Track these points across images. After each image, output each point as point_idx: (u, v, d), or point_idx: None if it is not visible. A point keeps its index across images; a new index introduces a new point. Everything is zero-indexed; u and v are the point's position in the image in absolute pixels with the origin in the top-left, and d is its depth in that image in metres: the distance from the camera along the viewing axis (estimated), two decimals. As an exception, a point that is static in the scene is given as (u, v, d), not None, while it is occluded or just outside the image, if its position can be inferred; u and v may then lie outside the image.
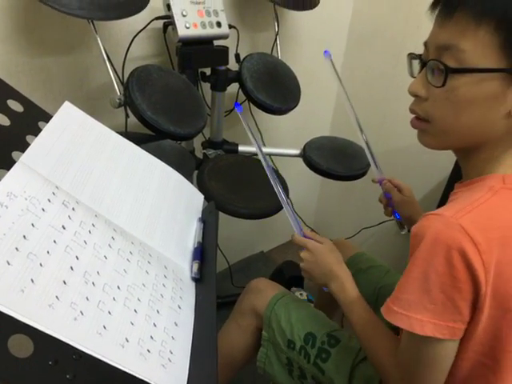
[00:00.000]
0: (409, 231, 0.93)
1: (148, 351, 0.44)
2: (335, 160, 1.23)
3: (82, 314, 0.41)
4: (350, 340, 0.82)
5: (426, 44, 0.59)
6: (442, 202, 1.38)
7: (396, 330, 0.66)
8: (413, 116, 0.62)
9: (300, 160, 1.27)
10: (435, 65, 0.55)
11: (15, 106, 0.55)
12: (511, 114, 0.53)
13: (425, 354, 0.57)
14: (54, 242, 0.43)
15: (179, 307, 0.52)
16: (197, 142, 1.23)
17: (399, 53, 1.43)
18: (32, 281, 0.39)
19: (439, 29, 0.55)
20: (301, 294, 1.54)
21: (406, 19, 1.38)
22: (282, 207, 1.01)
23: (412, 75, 0.63)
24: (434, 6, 0.56)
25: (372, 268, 1.03)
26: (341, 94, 0.94)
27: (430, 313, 0.54)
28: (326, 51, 0.99)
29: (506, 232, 0.52)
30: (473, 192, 0.57)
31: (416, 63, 0.61)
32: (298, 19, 1.42)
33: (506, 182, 0.56)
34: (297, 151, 1.28)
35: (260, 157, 0.84)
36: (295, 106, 1.24)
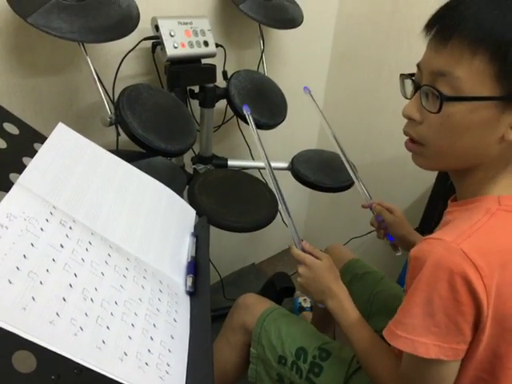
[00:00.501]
0: (406, 250, 0.94)
1: (146, 364, 0.45)
2: (323, 172, 1.26)
3: (82, 329, 0.42)
4: (340, 351, 0.82)
5: (419, 66, 0.59)
6: (427, 212, 1.41)
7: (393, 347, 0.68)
8: (407, 138, 0.62)
9: (288, 173, 1.30)
10: (429, 90, 0.55)
11: (11, 128, 0.57)
12: (504, 139, 0.54)
13: (428, 375, 0.58)
14: (53, 260, 0.45)
15: (175, 320, 0.53)
16: (187, 157, 1.25)
17: (381, 68, 1.47)
18: (33, 298, 0.40)
19: (434, 54, 0.55)
20: (304, 300, 1.55)
21: (387, 35, 1.43)
22: (273, 219, 1.04)
23: (405, 96, 0.63)
24: (428, 29, 0.56)
25: (367, 274, 1.04)
26: (324, 126, 0.98)
27: (434, 336, 0.55)
28: (305, 87, 1.03)
29: (504, 255, 0.54)
30: (470, 214, 0.58)
31: (408, 83, 0.61)
32: (282, 37, 1.46)
33: (502, 204, 0.57)
34: (285, 164, 1.31)
35: (267, 170, 0.87)
36: (282, 121, 1.27)
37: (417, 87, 0.59)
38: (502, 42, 0.49)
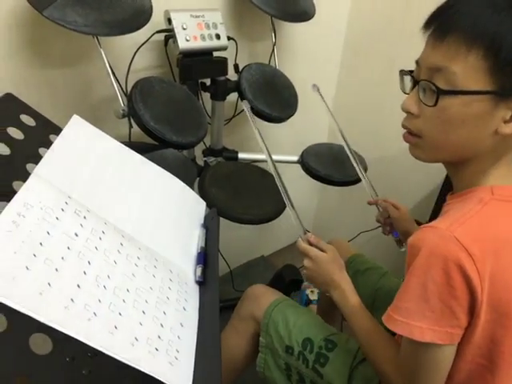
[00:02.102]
0: None
1: (156, 350, 0.47)
2: (332, 166, 1.27)
3: (95, 314, 0.44)
4: (347, 342, 0.84)
5: (417, 62, 0.61)
6: (436, 207, 1.41)
7: (393, 333, 0.68)
8: (405, 131, 0.65)
9: (298, 166, 1.30)
10: (427, 85, 0.58)
11: (28, 120, 0.59)
12: (497, 132, 0.56)
13: (424, 359, 0.60)
14: (68, 248, 0.47)
15: (184, 309, 0.55)
16: (198, 149, 1.26)
17: (394, 62, 1.46)
18: (49, 284, 0.42)
19: (431, 50, 0.58)
20: (312, 292, 1.56)
21: (400, 29, 1.42)
22: (281, 212, 1.05)
23: (404, 91, 0.65)
24: (427, 26, 0.59)
25: (370, 270, 1.05)
26: (333, 125, 0.99)
27: (429, 320, 0.56)
28: (313, 85, 1.04)
29: (497, 243, 0.56)
30: (464, 204, 0.60)
31: (408, 79, 0.64)
32: (294, 30, 1.45)
33: (495, 193, 0.59)
34: (295, 158, 1.32)
35: (270, 165, 0.87)
36: (293, 114, 1.27)
37: (415, 82, 0.61)
38: (495, 39, 0.52)
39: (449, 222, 0.56)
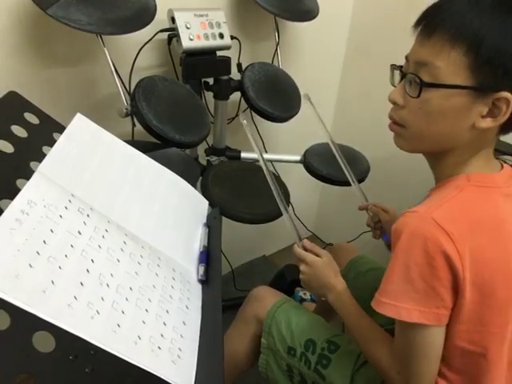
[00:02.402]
0: None
1: (159, 348, 0.47)
2: (335, 166, 1.26)
3: (98, 313, 0.44)
4: (349, 344, 0.84)
5: (407, 57, 0.65)
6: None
7: (392, 333, 0.69)
8: (391, 121, 0.69)
9: (300, 166, 1.30)
10: (412, 78, 0.62)
11: (31, 118, 0.59)
12: (474, 127, 0.60)
13: (414, 341, 0.62)
14: (71, 246, 0.47)
15: (187, 307, 0.55)
16: (200, 149, 1.26)
17: (397, 60, 1.46)
18: (52, 282, 0.42)
19: (419, 46, 0.62)
20: (304, 294, 1.57)
21: (403, 28, 1.42)
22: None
23: (393, 84, 0.70)
24: (416, 24, 0.63)
25: (372, 271, 1.05)
26: (324, 135, 1.01)
27: (415, 301, 0.59)
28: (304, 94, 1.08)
29: (473, 223, 0.59)
30: (442, 191, 0.64)
31: (397, 74, 0.68)
32: (297, 29, 1.45)
33: (471, 180, 0.63)
34: (297, 157, 1.32)
35: (265, 173, 0.89)
36: (296, 114, 1.27)
37: (403, 75, 0.65)
38: (476, 38, 0.56)
39: (427, 205, 0.61)
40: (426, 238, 0.57)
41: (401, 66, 0.67)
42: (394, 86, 0.68)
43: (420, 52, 0.61)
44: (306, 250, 0.84)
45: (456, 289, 0.58)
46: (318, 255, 0.82)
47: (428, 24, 0.61)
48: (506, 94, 0.56)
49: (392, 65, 0.70)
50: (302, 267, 0.82)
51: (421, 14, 0.63)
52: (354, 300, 0.78)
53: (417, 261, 0.58)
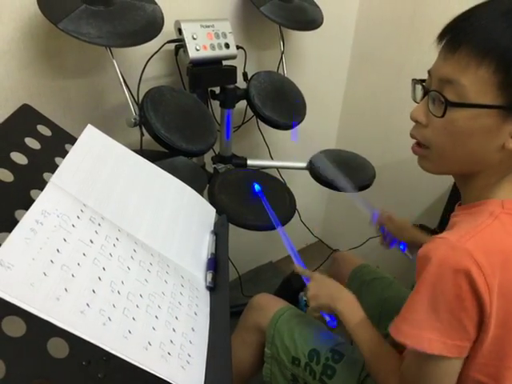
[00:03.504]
0: None
1: (168, 354, 0.48)
2: (341, 172, 1.27)
3: (110, 319, 0.45)
4: (353, 353, 0.83)
5: (429, 72, 0.61)
6: (445, 213, 1.41)
7: (398, 348, 0.69)
8: (414, 142, 0.65)
9: (306, 172, 1.31)
10: (436, 96, 0.58)
11: (44, 130, 0.61)
12: (504, 147, 0.56)
13: (431, 371, 0.59)
14: (84, 254, 0.48)
15: (195, 314, 0.56)
16: (207, 156, 1.28)
17: (402, 68, 1.47)
18: (66, 290, 0.43)
19: (443, 61, 0.58)
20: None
21: (408, 35, 1.43)
22: (290, 218, 1.06)
23: (415, 100, 0.65)
24: (440, 38, 0.59)
25: (376, 280, 1.05)
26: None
27: (438, 332, 0.56)
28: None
29: (506, 255, 0.56)
30: (475, 217, 0.60)
31: (419, 88, 0.64)
32: (302, 38, 1.47)
33: (505, 207, 0.59)
34: (303, 164, 1.33)
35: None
36: (301, 121, 1.28)
37: (426, 92, 0.61)
38: (507, 54, 0.52)
39: (460, 233, 0.57)
40: (456, 268, 0.54)
41: (423, 80, 0.63)
42: (416, 102, 0.64)
43: (444, 68, 0.57)
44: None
45: (481, 322, 0.56)
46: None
47: (453, 38, 0.56)
48: None
49: (413, 79, 0.65)
50: (309, 284, 0.83)
51: (445, 26, 0.58)
52: (363, 312, 0.77)
53: (445, 291, 0.55)
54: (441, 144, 0.60)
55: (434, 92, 0.58)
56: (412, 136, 0.64)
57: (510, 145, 0.56)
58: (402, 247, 0.98)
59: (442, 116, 0.57)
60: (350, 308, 0.77)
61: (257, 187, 1.02)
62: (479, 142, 0.57)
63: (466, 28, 0.55)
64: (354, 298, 0.78)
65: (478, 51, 0.53)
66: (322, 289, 0.81)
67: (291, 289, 1.60)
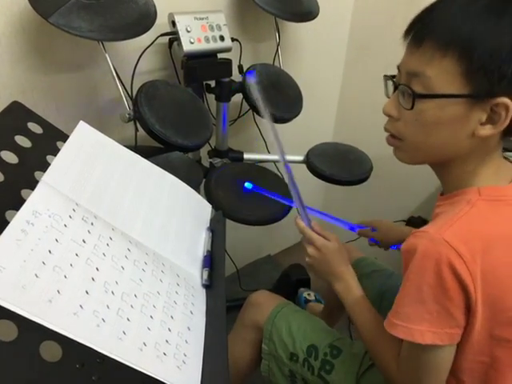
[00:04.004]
0: None
1: (164, 354, 0.47)
2: (338, 166, 1.27)
3: (104, 320, 0.44)
4: (352, 347, 0.83)
5: (398, 68, 0.63)
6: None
7: None
8: (388, 134, 0.67)
9: (303, 166, 1.31)
10: (405, 89, 0.60)
11: (35, 128, 0.60)
12: (474, 135, 0.58)
13: (426, 360, 0.61)
14: (76, 255, 0.47)
15: (191, 313, 0.56)
16: (203, 151, 1.27)
17: (398, 59, 1.46)
18: (58, 292, 0.43)
19: (410, 56, 0.60)
20: (308, 295, 1.57)
21: (404, 26, 1.42)
22: (287, 212, 1.05)
23: (387, 95, 0.67)
24: (406, 34, 0.61)
25: (375, 272, 1.05)
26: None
27: (428, 322, 0.58)
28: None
29: (485, 241, 0.57)
30: (453, 207, 0.62)
31: (390, 84, 0.65)
32: (298, 30, 1.45)
33: (482, 194, 0.60)
34: (300, 158, 1.32)
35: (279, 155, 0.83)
36: (298, 114, 1.27)
37: (395, 87, 0.63)
38: (468, 43, 0.54)
39: (438, 225, 0.59)
40: (438, 259, 0.56)
41: (393, 76, 0.65)
42: (389, 98, 0.66)
43: (410, 62, 0.59)
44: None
45: (468, 308, 0.58)
46: (326, 239, 0.81)
47: (417, 32, 0.58)
48: (503, 99, 0.54)
49: (385, 75, 0.67)
50: (310, 250, 0.81)
51: (410, 22, 0.61)
52: (362, 291, 0.77)
53: (429, 282, 0.57)
54: (413, 135, 0.62)
55: (402, 86, 0.60)
56: (386, 130, 0.67)
57: (480, 132, 0.57)
58: (395, 247, 0.99)
59: (411, 108, 0.59)
60: (349, 289, 0.78)
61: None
62: (449, 130, 0.59)
63: (429, 22, 0.57)
64: (353, 278, 0.79)
65: (441, 43, 0.55)
66: (321, 264, 0.80)
67: (290, 282, 1.61)
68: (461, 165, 0.63)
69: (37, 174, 0.53)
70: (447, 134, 0.60)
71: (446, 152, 0.62)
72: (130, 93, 1.02)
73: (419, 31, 0.58)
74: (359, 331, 0.75)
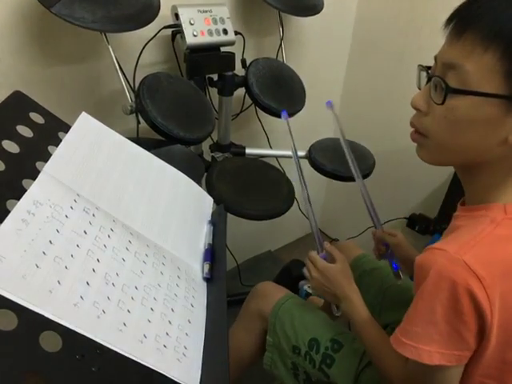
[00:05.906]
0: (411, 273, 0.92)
1: (164, 346, 0.47)
2: (340, 161, 1.26)
3: (104, 312, 0.44)
4: (353, 343, 0.83)
5: (435, 58, 0.58)
6: (445, 202, 1.40)
7: None
8: (413, 129, 0.62)
9: (306, 161, 1.30)
10: (438, 82, 0.55)
11: (37, 118, 0.59)
12: (507, 142, 0.53)
13: (432, 379, 0.59)
14: (77, 246, 0.47)
15: (192, 306, 0.55)
16: (205, 145, 1.26)
17: (402, 54, 1.45)
18: (59, 282, 0.43)
19: (448, 46, 0.55)
20: (309, 287, 1.57)
21: (408, 21, 1.41)
22: (289, 207, 1.05)
23: (419, 87, 0.63)
24: (448, 22, 0.56)
25: (376, 270, 1.04)
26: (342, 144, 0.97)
27: (437, 343, 0.56)
28: (328, 102, 1.01)
29: (507, 265, 0.54)
30: (475, 223, 0.58)
31: (424, 75, 0.61)
32: (302, 24, 1.44)
33: (508, 212, 0.56)
34: (302, 153, 1.31)
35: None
36: (300, 109, 1.27)
37: (429, 78, 0.58)
38: None
39: (458, 244, 0.55)
40: (455, 281, 0.52)
41: (428, 67, 0.60)
42: (420, 89, 0.61)
43: (448, 53, 0.54)
44: (323, 250, 0.83)
45: (482, 332, 0.55)
46: (333, 259, 0.81)
47: (459, 22, 0.53)
48: None
49: (419, 65, 0.62)
50: (314, 273, 0.81)
51: (453, 11, 0.55)
52: (367, 311, 0.76)
53: (443, 303, 0.54)
54: (440, 133, 0.57)
55: (436, 78, 0.55)
56: (412, 124, 0.62)
57: None
58: (394, 266, 0.94)
59: (442, 103, 0.54)
60: (354, 309, 0.77)
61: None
62: (480, 133, 0.54)
63: (473, 12, 0.52)
64: (358, 298, 0.78)
65: (484, 36, 0.50)
66: (325, 287, 0.80)
67: (290, 277, 1.60)
68: (488, 174, 0.58)
69: (38, 164, 0.53)
70: (477, 137, 0.55)
71: (473, 157, 0.57)
72: (132, 85, 1.02)
73: (461, 21, 0.53)
74: (365, 346, 0.75)
